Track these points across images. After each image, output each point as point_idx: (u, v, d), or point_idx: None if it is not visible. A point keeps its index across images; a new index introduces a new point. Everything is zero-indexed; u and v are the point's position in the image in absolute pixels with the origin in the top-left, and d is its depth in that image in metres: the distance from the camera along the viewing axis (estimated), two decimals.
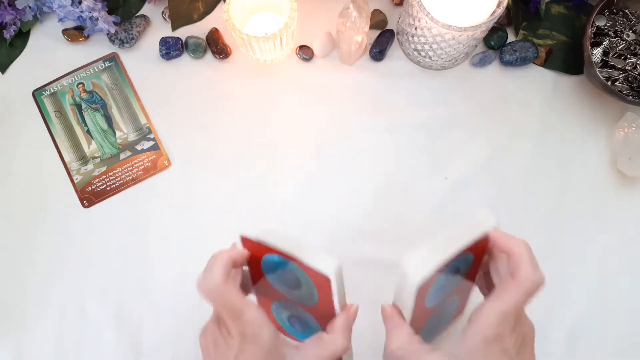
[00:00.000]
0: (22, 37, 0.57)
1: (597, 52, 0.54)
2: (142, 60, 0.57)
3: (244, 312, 0.34)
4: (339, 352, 0.38)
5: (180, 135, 0.56)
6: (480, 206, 0.55)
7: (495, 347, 0.34)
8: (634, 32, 0.54)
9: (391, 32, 0.57)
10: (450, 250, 0.36)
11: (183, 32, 0.58)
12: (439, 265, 0.36)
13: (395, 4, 0.59)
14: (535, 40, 0.57)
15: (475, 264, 0.41)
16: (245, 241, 0.39)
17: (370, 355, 0.50)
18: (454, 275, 0.40)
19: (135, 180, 0.55)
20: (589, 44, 0.52)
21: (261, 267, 0.40)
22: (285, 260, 0.38)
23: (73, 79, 0.57)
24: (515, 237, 0.37)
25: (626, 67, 0.54)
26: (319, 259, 0.37)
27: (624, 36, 0.54)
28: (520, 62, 0.56)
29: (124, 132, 0.56)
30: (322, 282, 0.38)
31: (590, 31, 0.53)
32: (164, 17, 0.58)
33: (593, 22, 0.54)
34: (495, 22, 0.55)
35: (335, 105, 0.56)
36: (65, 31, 0.57)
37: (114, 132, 0.56)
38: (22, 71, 0.57)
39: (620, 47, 0.54)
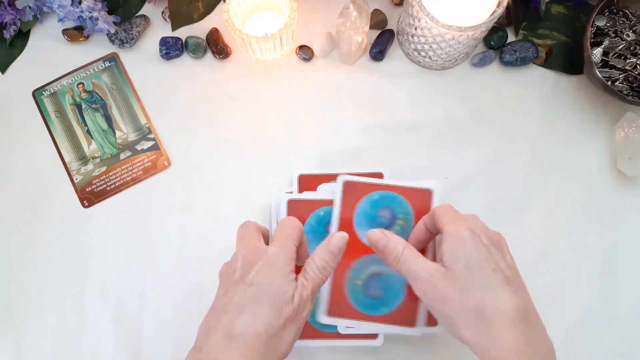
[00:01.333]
0: (22, 37, 0.57)
1: (597, 52, 0.54)
2: (142, 60, 0.57)
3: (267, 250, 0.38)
4: (315, 275, 0.38)
5: (180, 135, 0.56)
6: (479, 206, 0.55)
7: (473, 240, 0.37)
8: (634, 32, 0.54)
9: (391, 32, 0.57)
10: (377, 180, 0.47)
11: (183, 32, 0.58)
12: (363, 179, 0.47)
13: (395, 4, 0.59)
14: (535, 40, 0.57)
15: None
16: (347, 184, 0.48)
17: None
18: (388, 220, 0.46)
19: (135, 180, 0.55)
20: (589, 44, 0.52)
21: (354, 215, 0.47)
22: (392, 197, 0.47)
23: (73, 79, 0.57)
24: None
25: (626, 67, 0.54)
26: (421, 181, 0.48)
27: (624, 36, 0.54)
28: (520, 62, 0.56)
29: (124, 132, 0.56)
30: (425, 201, 0.47)
31: (590, 31, 0.53)
32: (164, 17, 0.58)
33: (593, 22, 0.54)
34: (495, 22, 0.55)
35: (335, 105, 0.56)
36: (65, 31, 0.57)
37: (114, 132, 0.56)
38: (22, 71, 0.57)
39: (620, 47, 0.54)
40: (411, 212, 0.47)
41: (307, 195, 0.50)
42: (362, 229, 0.47)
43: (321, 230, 0.48)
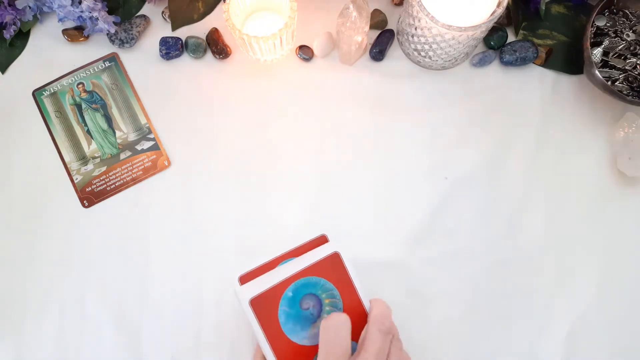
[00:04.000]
0: (22, 37, 0.57)
1: (597, 52, 0.54)
2: (142, 60, 0.57)
3: None
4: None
5: (180, 135, 0.56)
6: (479, 206, 0.55)
7: None
8: (634, 32, 0.54)
9: (391, 32, 0.57)
10: (282, 273, 0.39)
11: (183, 32, 0.58)
12: (272, 284, 0.39)
13: (395, 4, 0.59)
14: (535, 40, 0.57)
15: (345, 300, 0.41)
16: (255, 301, 0.39)
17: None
18: (315, 306, 0.40)
19: (135, 180, 0.55)
20: (589, 44, 0.52)
21: (281, 327, 0.40)
22: (304, 283, 0.40)
23: (73, 79, 0.57)
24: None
25: (626, 67, 0.54)
26: (320, 250, 0.41)
27: (624, 36, 0.54)
28: (520, 62, 0.56)
29: (124, 132, 0.56)
30: (337, 268, 0.40)
31: (590, 31, 0.53)
32: (164, 17, 0.58)
33: (593, 22, 0.54)
34: (495, 22, 0.55)
35: (335, 105, 0.56)
36: (65, 31, 0.57)
37: (114, 132, 0.56)
38: (22, 71, 0.57)
39: (620, 47, 0.54)
40: (331, 285, 0.41)
41: (265, 283, 0.40)
42: (297, 333, 0.40)
43: (298, 312, 0.40)
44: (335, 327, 0.38)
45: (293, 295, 0.40)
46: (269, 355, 0.39)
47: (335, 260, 0.41)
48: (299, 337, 0.40)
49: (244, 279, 0.41)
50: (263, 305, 0.39)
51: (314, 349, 0.40)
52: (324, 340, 0.38)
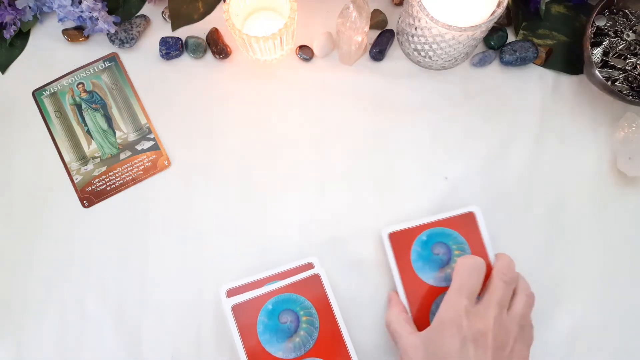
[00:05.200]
0: (22, 37, 0.57)
1: (597, 52, 0.54)
2: (142, 60, 0.57)
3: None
4: None
5: (180, 135, 0.56)
6: (479, 206, 0.55)
7: (451, 331, 0.39)
8: (634, 32, 0.54)
9: (391, 32, 0.57)
10: (418, 221, 0.47)
11: (183, 32, 0.58)
12: (407, 226, 0.46)
13: (395, 4, 0.59)
14: (535, 40, 0.57)
15: (322, 319, 0.46)
16: (393, 236, 0.48)
17: (375, 354, 0.50)
18: (445, 254, 0.46)
19: (135, 180, 0.55)
20: (589, 44, 0.52)
21: (413, 266, 0.47)
22: (284, 299, 0.46)
23: (73, 79, 0.57)
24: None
25: (626, 67, 0.54)
26: (302, 271, 0.48)
27: (624, 36, 0.54)
28: (520, 62, 0.56)
29: (124, 132, 0.56)
30: (316, 287, 0.46)
31: (590, 31, 0.53)
32: (164, 17, 0.58)
33: (593, 22, 0.54)
34: (495, 22, 0.55)
35: (335, 105, 0.56)
36: (65, 31, 0.57)
37: (114, 132, 0.56)
38: (22, 71, 0.57)
39: (620, 47, 0.54)
40: (463, 239, 0.47)
41: (248, 295, 0.46)
42: (425, 272, 0.47)
43: (276, 324, 0.45)
44: (471, 265, 0.43)
45: (427, 239, 0.46)
46: (398, 284, 0.46)
47: (469, 218, 0.48)
48: (426, 277, 0.46)
49: (231, 293, 0.47)
50: (399, 241, 0.46)
51: (436, 291, 0.46)
52: (459, 274, 0.43)
